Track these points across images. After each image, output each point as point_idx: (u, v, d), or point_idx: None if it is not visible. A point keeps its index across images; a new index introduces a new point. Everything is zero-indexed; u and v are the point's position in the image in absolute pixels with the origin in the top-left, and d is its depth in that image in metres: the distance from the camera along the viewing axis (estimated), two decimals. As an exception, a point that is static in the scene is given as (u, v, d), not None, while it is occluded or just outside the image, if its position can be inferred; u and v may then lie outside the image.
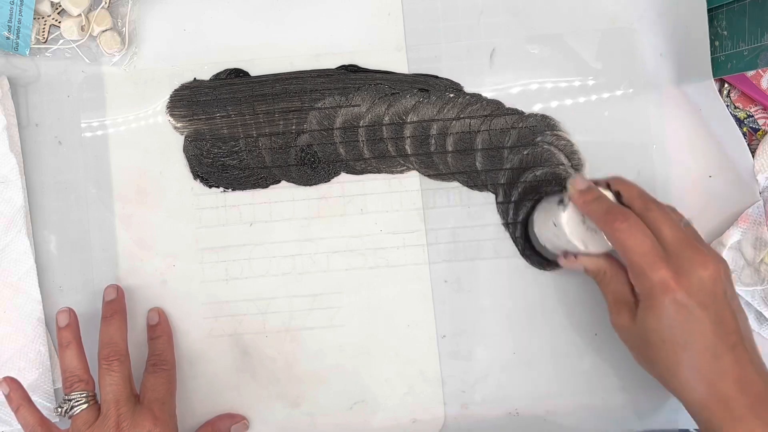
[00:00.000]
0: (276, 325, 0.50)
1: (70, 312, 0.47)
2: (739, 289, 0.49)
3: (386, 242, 0.50)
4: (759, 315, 0.50)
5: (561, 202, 0.45)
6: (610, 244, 0.43)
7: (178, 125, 0.50)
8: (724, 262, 0.41)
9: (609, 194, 0.44)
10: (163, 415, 0.44)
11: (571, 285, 0.50)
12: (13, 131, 0.48)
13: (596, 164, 0.50)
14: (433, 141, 0.50)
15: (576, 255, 0.45)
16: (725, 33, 0.48)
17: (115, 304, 0.47)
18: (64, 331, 0.46)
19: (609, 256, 0.44)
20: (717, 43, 0.49)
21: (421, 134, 0.50)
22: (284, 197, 0.50)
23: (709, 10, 0.49)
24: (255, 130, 0.50)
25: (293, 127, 0.50)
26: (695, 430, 0.45)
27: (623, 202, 0.43)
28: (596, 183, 0.45)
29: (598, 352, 0.50)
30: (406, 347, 0.50)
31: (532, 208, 0.50)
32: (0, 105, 0.47)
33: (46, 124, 0.49)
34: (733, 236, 0.49)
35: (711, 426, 0.40)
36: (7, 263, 0.48)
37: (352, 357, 0.50)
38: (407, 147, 0.50)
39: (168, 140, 0.50)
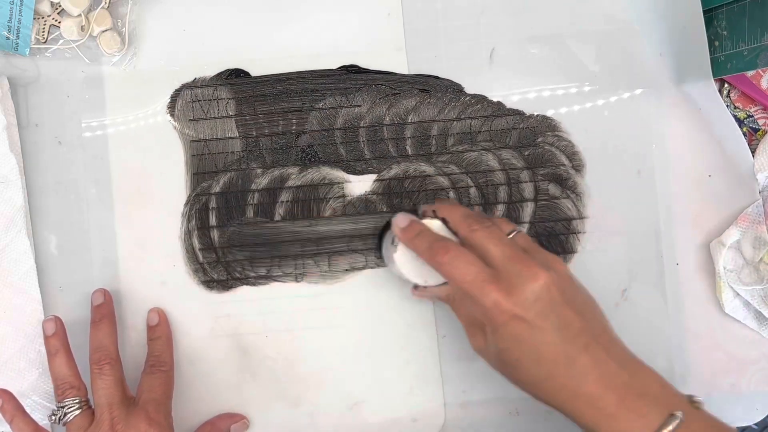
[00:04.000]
0: (276, 326, 0.50)
1: (56, 320, 0.46)
2: (739, 288, 0.50)
3: (386, 242, 0.50)
4: (758, 315, 0.50)
5: (392, 241, 0.45)
6: None
7: (178, 125, 0.50)
8: (558, 264, 0.41)
9: (436, 223, 0.44)
10: (158, 417, 0.44)
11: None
12: (13, 131, 0.48)
13: (596, 165, 0.50)
14: (433, 141, 0.50)
15: (425, 287, 0.45)
16: (725, 33, 0.48)
17: (103, 308, 0.47)
18: (51, 340, 0.46)
19: None
20: (717, 43, 0.49)
21: (422, 135, 0.50)
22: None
23: (709, 10, 0.49)
24: (255, 130, 0.50)
25: (294, 127, 0.50)
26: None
27: (451, 228, 0.43)
28: (424, 212, 0.45)
29: (598, 352, 0.50)
30: (406, 347, 0.50)
31: (380, 239, 0.49)
32: (0, 105, 0.47)
33: (46, 124, 0.49)
34: (732, 235, 0.49)
35: (591, 427, 0.39)
36: (7, 263, 0.48)
37: (352, 357, 0.50)
38: (408, 147, 0.50)
39: (168, 140, 0.50)
